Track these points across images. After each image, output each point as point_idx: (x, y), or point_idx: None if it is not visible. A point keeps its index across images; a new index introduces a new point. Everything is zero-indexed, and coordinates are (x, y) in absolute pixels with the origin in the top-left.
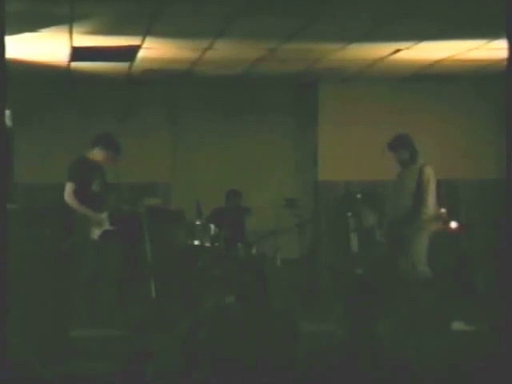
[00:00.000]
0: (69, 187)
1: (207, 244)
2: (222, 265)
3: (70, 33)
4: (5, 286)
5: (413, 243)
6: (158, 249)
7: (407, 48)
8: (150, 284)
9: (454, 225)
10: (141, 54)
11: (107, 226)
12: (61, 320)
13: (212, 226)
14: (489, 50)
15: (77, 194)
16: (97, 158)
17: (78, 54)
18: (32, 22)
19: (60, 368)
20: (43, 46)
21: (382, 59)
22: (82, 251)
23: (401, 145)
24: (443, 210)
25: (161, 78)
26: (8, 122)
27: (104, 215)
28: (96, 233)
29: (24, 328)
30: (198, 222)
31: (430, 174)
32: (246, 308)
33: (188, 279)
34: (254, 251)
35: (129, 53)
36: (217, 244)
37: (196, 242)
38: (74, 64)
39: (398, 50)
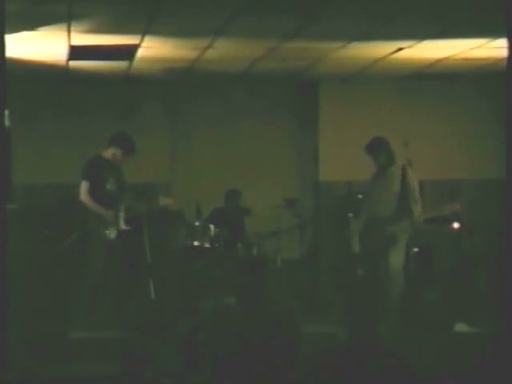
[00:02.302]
0: (84, 186)
1: (207, 245)
2: (222, 265)
3: (69, 31)
4: (5, 287)
5: (395, 244)
6: (158, 249)
7: (409, 47)
8: (149, 285)
9: (455, 225)
10: (140, 52)
11: (122, 226)
12: (60, 321)
13: (212, 227)
14: (490, 48)
15: (91, 192)
16: (112, 157)
17: (76, 52)
18: (30, 21)
19: (59, 370)
20: (41, 45)
21: (383, 58)
22: (94, 250)
23: (379, 148)
24: (457, 206)
25: (160, 77)
26: (7, 121)
27: (120, 215)
28: (112, 232)
29: (23, 329)
30: (197, 223)
31: (413, 174)
32: (246, 309)
33: (188, 280)
34: (254, 252)
35: (128, 52)
36: (217, 244)
37: (196, 243)
38: (73, 63)
39: (399, 49)
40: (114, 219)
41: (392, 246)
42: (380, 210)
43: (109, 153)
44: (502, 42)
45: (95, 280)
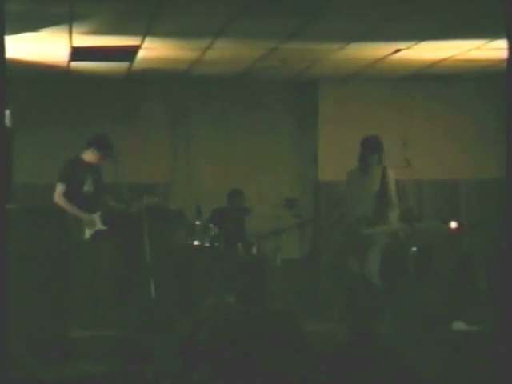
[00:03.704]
0: (59, 188)
1: (207, 244)
2: (222, 265)
3: (70, 33)
4: (5, 287)
5: (374, 246)
6: (158, 249)
7: (408, 48)
8: (149, 284)
9: (454, 225)
10: (140, 53)
11: (100, 227)
12: (60, 321)
13: (212, 227)
14: (489, 49)
15: (67, 194)
16: (90, 159)
17: (77, 53)
18: (32, 22)
19: (59, 369)
20: (43, 46)
21: (382, 59)
22: (75, 252)
23: (378, 146)
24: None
25: (161, 78)
26: (8, 122)
27: (96, 215)
28: (88, 233)
29: (23, 329)
30: (197, 223)
31: (392, 176)
32: (246, 308)
33: (188, 279)
34: (254, 251)
35: (128, 53)
36: (217, 244)
37: (196, 243)
38: (74, 64)
39: (398, 50)
40: (91, 220)
41: (370, 247)
42: (360, 210)
43: (87, 155)
44: (501, 43)
45: (83, 280)
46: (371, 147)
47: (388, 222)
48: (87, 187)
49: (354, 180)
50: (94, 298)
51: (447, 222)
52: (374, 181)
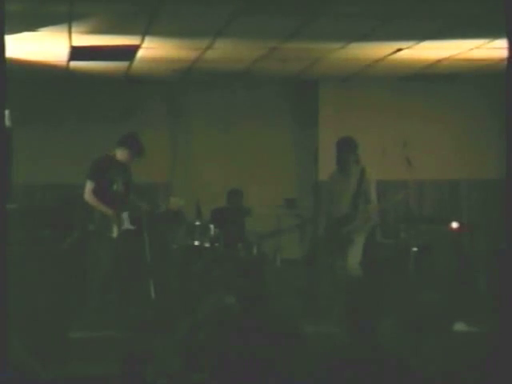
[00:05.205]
0: (88, 185)
1: (207, 244)
2: (221, 265)
3: (69, 32)
4: (5, 287)
5: (353, 242)
6: (158, 249)
7: (408, 47)
8: (149, 284)
9: (454, 225)
10: (140, 53)
11: (127, 225)
12: (60, 321)
13: (212, 227)
14: (490, 49)
15: (97, 192)
16: (121, 158)
17: (77, 53)
18: (31, 22)
19: (60, 369)
20: (42, 46)
21: (382, 59)
22: (100, 249)
23: (352, 146)
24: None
25: (160, 77)
26: (7, 121)
27: (125, 214)
28: (116, 232)
29: (24, 329)
30: (197, 223)
31: (372, 175)
32: (245, 308)
33: (188, 280)
34: (254, 251)
35: (128, 52)
36: (217, 244)
37: (196, 243)
38: (73, 63)
39: (398, 50)
40: (119, 219)
41: (350, 243)
42: (341, 209)
43: (117, 153)
44: (502, 43)
45: (104, 280)
46: (346, 148)
47: (364, 218)
48: (117, 186)
49: (334, 182)
50: (102, 298)
51: (448, 222)
52: (353, 181)
